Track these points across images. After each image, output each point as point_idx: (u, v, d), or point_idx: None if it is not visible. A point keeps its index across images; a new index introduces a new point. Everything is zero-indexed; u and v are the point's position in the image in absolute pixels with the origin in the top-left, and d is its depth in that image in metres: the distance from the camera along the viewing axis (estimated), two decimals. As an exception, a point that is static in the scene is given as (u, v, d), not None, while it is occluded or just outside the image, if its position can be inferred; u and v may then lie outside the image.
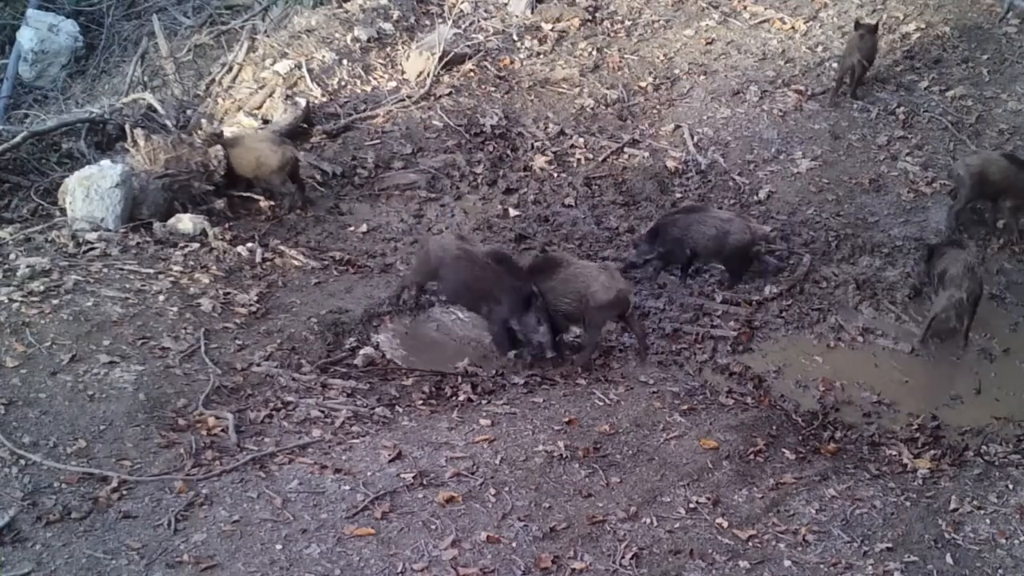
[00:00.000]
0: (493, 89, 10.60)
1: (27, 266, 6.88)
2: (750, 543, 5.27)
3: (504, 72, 10.88)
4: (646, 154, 9.93)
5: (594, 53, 11.25)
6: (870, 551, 5.29)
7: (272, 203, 8.64)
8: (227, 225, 8.18)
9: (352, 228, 8.58)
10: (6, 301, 6.43)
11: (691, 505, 5.53)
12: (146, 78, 11.27)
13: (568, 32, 11.57)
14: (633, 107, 10.60)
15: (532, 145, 9.93)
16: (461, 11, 11.77)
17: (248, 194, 8.67)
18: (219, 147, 8.47)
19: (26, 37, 12.20)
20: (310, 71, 10.46)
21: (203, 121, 9.38)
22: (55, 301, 6.54)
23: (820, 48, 11.27)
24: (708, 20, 11.79)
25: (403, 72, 10.78)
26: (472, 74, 10.75)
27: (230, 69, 10.88)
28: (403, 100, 10.27)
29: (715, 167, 9.76)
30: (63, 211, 7.93)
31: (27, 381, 5.84)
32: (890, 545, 5.34)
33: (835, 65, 10.84)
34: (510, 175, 9.50)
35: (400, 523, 5.12)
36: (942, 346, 7.66)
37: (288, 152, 8.54)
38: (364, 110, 10.16)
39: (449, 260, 7.04)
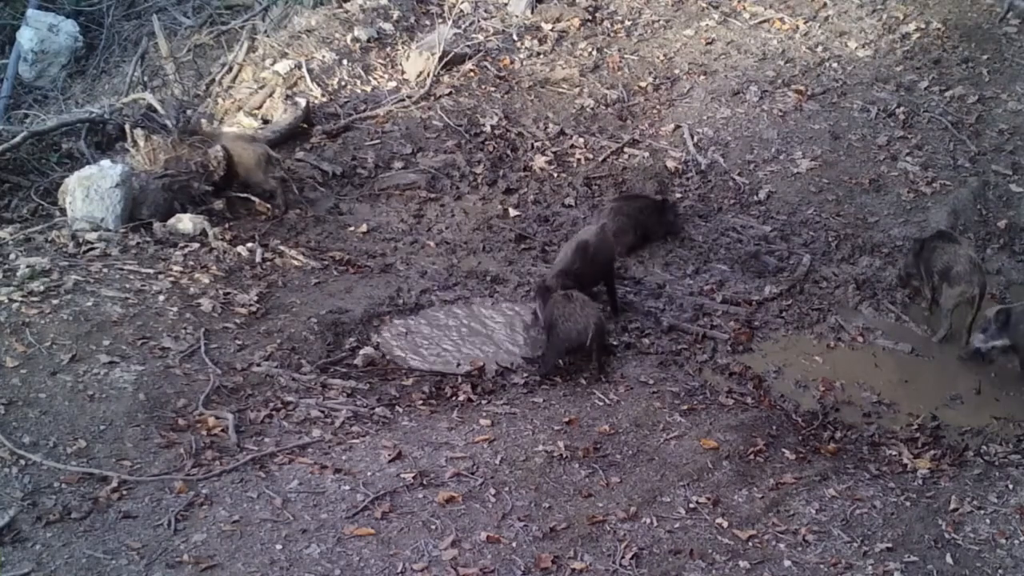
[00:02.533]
0: (493, 89, 10.61)
1: (27, 266, 6.88)
2: (750, 543, 5.27)
3: (504, 72, 10.88)
4: (646, 154, 9.93)
5: (594, 53, 11.25)
6: (870, 551, 5.29)
7: (270, 202, 8.63)
8: (227, 225, 8.18)
9: (352, 228, 8.57)
10: (6, 301, 6.43)
11: (691, 505, 5.53)
12: (146, 78, 11.27)
13: (568, 32, 11.57)
14: (633, 107, 10.60)
15: (532, 145, 9.93)
16: (461, 11, 11.77)
17: (245, 195, 8.67)
18: (219, 148, 8.48)
19: (26, 37, 12.20)
20: (310, 71, 10.47)
21: (203, 121, 9.38)
22: (55, 301, 6.54)
23: (820, 48, 11.27)
24: (708, 20, 11.79)
25: (403, 72, 10.78)
26: (472, 74, 10.76)
27: (230, 69, 10.89)
28: (403, 100, 10.27)
29: (715, 167, 9.76)
30: (63, 211, 7.93)
31: (27, 381, 5.84)
32: (890, 545, 5.34)
33: (835, 65, 10.88)
34: (510, 175, 9.50)
35: (400, 523, 5.12)
36: (942, 346, 7.67)
37: (259, 148, 8.59)
38: (364, 110, 10.15)
39: None
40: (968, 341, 7.60)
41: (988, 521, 5.60)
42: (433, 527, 5.11)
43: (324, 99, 10.24)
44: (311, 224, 8.55)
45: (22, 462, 5.28)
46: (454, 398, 6.49)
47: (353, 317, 7.20)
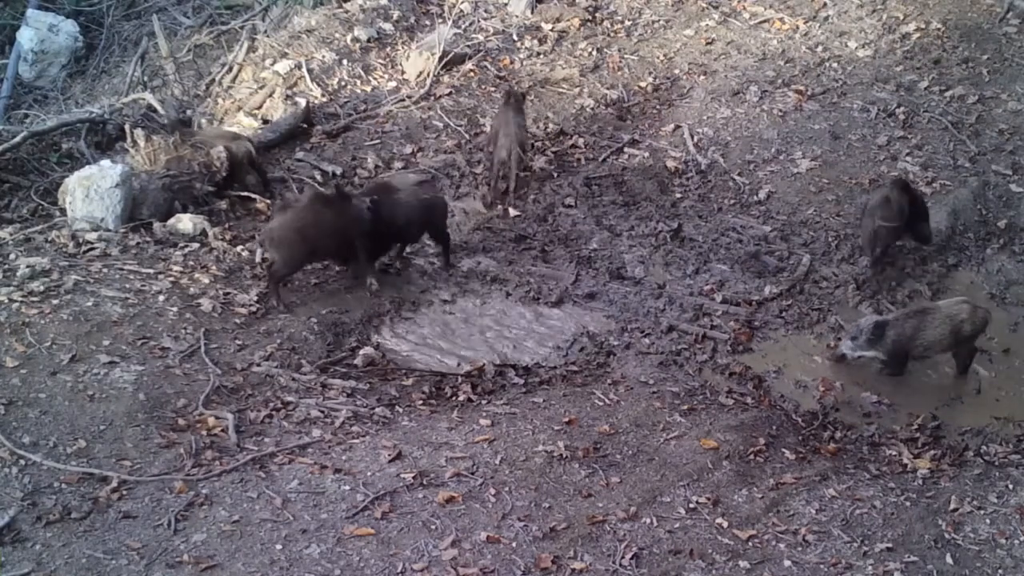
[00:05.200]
0: (493, 89, 10.60)
1: (27, 266, 6.88)
2: (750, 543, 5.27)
3: (504, 72, 10.88)
4: (646, 154, 9.93)
5: (594, 53, 11.25)
6: (870, 551, 5.29)
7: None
8: (227, 225, 8.18)
9: (352, 228, 8.56)
10: (6, 301, 6.43)
11: (691, 505, 5.53)
12: (146, 78, 11.27)
13: (568, 32, 11.57)
14: (633, 107, 10.60)
15: (532, 145, 9.92)
16: (461, 11, 11.78)
17: (246, 195, 8.68)
18: (222, 148, 8.47)
19: (26, 37, 12.20)
20: (310, 71, 10.47)
21: (203, 121, 9.37)
22: (55, 301, 6.54)
23: (820, 48, 11.27)
24: (708, 20, 11.79)
25: (403, 72, 10.79)
26: (472, 74, 10.76)
27: (230, 69, 10.88)
28: (403, 100, 10.27)
29: (715, 167, 9.76)
30: (63, 211, 7.93)
31: (27, 381, 5.84)
32: (890, 545, 5.34)
33: (835, 65, 10.88)
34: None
35: (400, 523, 5.12)
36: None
37: (242, 145, 8.59)
38: (364, 110, 10.15)
39: None
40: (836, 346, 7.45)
41: (988, 521, 5.60)
42: (433, 527, 5.11)
43: (324, 99, 10.25)
44: (311, 224, 8.54)
45: (22, 462, 5.28)
46: (454, 398, 6.49)
47: (353, 317, 7.21)
